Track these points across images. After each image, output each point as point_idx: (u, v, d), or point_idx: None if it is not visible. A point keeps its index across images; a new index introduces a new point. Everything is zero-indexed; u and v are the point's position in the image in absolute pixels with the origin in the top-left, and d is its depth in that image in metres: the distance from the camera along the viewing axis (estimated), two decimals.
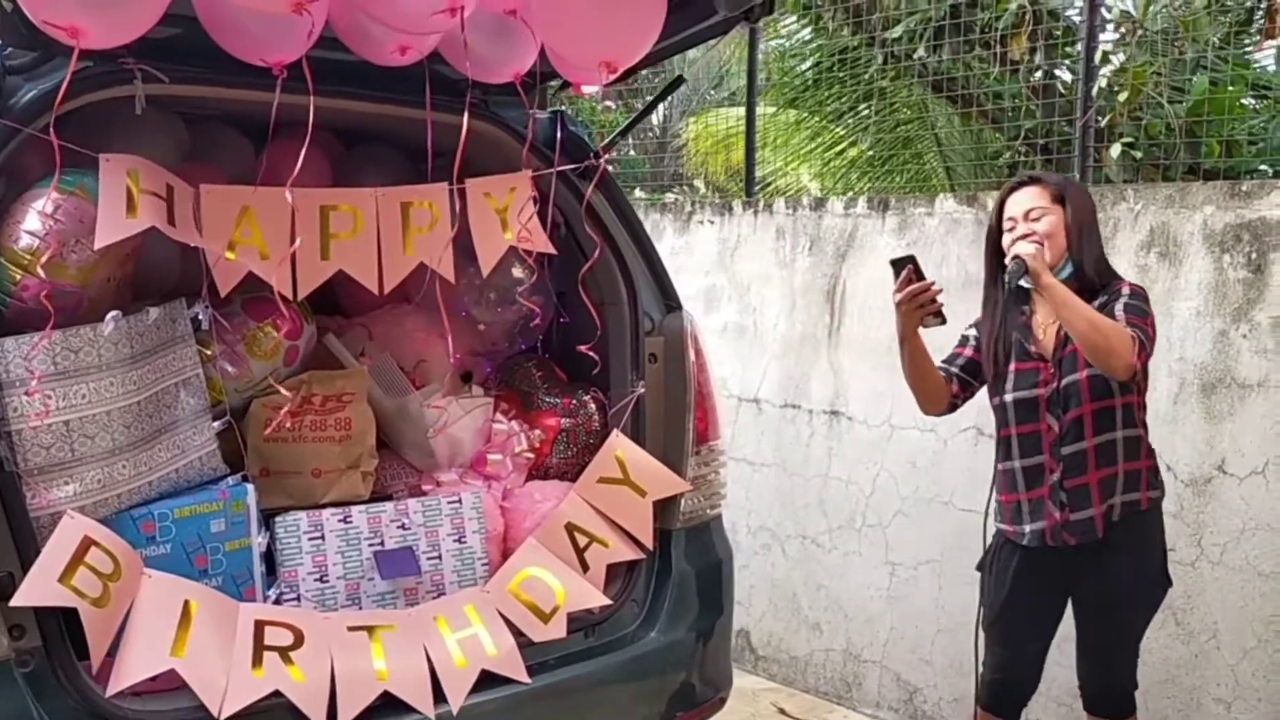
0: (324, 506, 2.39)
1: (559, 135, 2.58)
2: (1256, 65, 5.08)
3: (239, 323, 2.38)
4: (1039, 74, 5.15)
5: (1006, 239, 2.71)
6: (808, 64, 7.22)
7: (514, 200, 2.56)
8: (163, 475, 2.17)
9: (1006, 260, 2.64)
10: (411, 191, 2.46)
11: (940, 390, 2.82)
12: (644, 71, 3.01)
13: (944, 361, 2.87)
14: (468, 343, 2.92)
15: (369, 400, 2.60)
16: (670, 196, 6.50)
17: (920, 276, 2.61)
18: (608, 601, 2.54)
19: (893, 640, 4.12)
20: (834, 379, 4.30)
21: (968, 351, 2.85)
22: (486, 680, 2.27)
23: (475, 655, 2.27)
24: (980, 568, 2.88)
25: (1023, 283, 2.58)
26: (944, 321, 2.65)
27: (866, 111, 6.83)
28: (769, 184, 7.38)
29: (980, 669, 2.84)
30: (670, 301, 2.84)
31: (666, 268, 2.89)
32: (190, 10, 2.05)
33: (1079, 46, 4.30)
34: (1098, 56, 3.88)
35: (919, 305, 2.61)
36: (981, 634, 2.81)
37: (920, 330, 2.68)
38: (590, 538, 2.57)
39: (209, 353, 2.31)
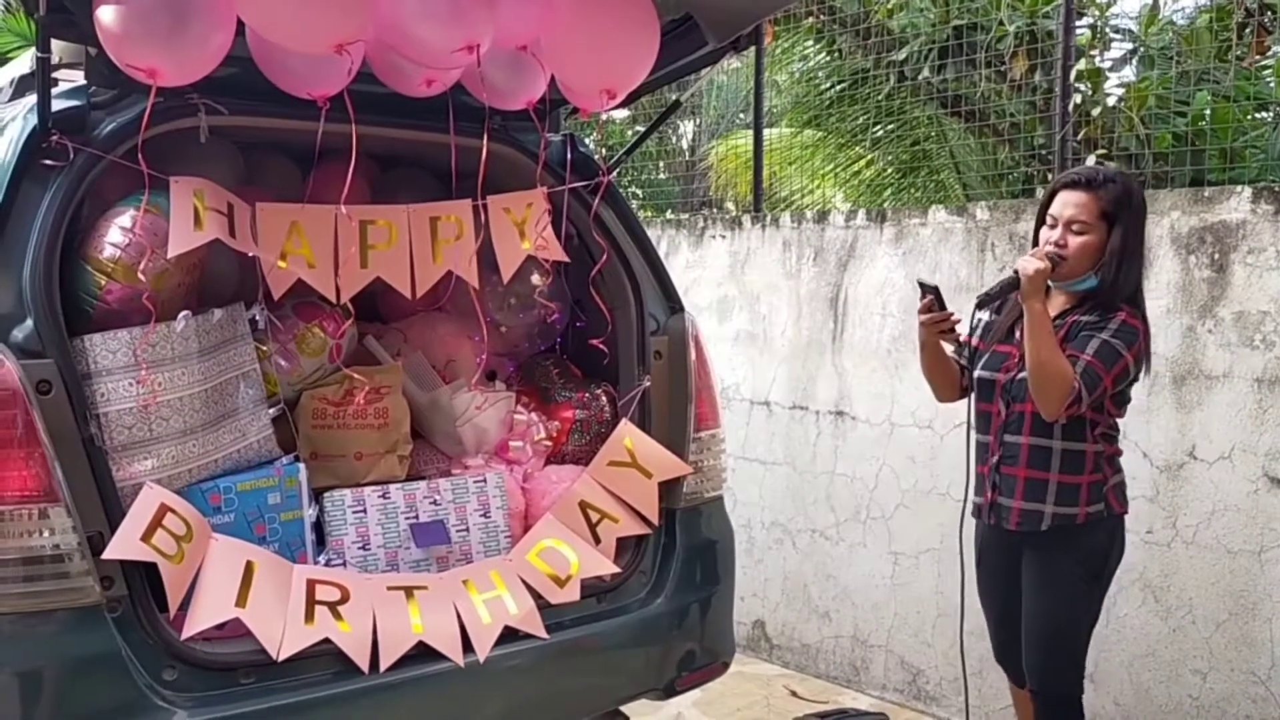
0: (366, 485, 2.70)
1: (569, 155, 2.90)
2: (1260, 81, 5.26)
3: (290, 324, 2.70)
4: (1039, 92, 5.42)
5: (1043, 233, 2.76)
6: (825, 86, 7.50)
7: (530, 214, 2.88)
8: (226, 454, 2.48)
9: (1016, 265, 2.71)
10: (439, 207, 2.78)
11: (953, 380, 2.98)
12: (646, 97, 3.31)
13: (955, 350, 3.01)
14: (492, 344, 3.22)
15: (404, 394, 2.92)
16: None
17: (941, 305, 2.85)
18: (617, 570, 2.82)
19: (897, 625, 4.37)
20: (838, 381, 4.57)
21: (974, 341, 2.97)
22: (509, 636, 2.56)
23: (499, 614, 2.56)
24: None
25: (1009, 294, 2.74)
26: (957, 342, 2.89)
27: (882, 130, 7.10)
28: (791, 202, 7.65)
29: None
30: (673, 304, 3.13)
31: (683, 280, 3.17)
32: (246, 52, 2.38)
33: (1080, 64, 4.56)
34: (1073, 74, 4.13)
35: (938, 330, 2.88)
36: None
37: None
38: (601, 514, 2.86)
39: (265, 349, 2.62)
